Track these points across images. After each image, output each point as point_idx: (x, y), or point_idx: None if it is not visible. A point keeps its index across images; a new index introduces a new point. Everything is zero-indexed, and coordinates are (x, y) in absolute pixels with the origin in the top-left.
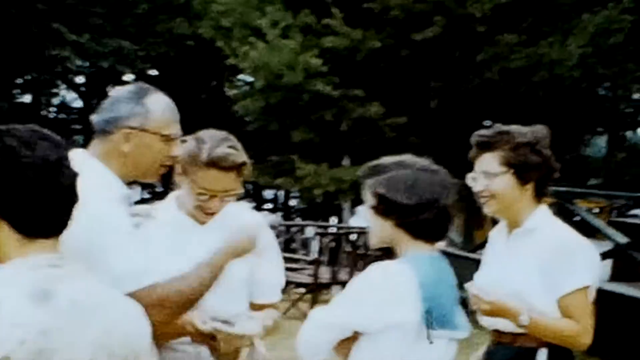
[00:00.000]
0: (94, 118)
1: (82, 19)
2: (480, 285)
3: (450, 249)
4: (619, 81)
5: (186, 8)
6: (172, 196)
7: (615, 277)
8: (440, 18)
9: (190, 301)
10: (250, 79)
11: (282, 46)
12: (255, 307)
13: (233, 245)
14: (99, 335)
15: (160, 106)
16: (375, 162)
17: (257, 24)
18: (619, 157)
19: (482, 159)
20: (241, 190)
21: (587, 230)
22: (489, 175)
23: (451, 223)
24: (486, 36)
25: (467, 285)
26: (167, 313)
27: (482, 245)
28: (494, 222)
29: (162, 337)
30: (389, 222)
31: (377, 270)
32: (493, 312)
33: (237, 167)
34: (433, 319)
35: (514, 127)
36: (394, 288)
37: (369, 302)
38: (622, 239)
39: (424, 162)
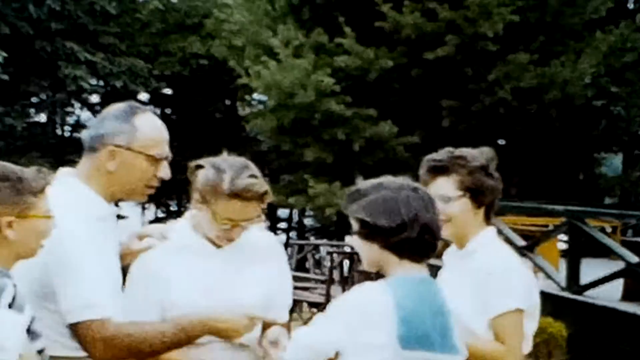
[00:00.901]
0: (82, 134)
1: (95, 38)
2: None
3: None
4: (632, 100)
5: (199, 27)
6: (187, 216)
7: (626, 296)
8: (452, 37)
9: (140, 350)
10: (263, 98)
11: (294, 65)
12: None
13: (220, 325)
14: None
15: (148, 126)
16: (354, 188)
17: (269, 43)
18: (633, 176)
19: (436, 183)
20: (262, 217)
21: (600, 249)
22: (445, 199)
23: (438, 239)
24: (498, 55)
25: None
26: (111, 353)
27: None
28: (507, 241)
29: None
30: (375, 245)
31: (355, 291)
32: None
33: (260, 197)
34: (410, 340)
35: (465, 151)
36: (367, 309)
37: (343, 323)
38: (634, 258)
39: (402, 181)
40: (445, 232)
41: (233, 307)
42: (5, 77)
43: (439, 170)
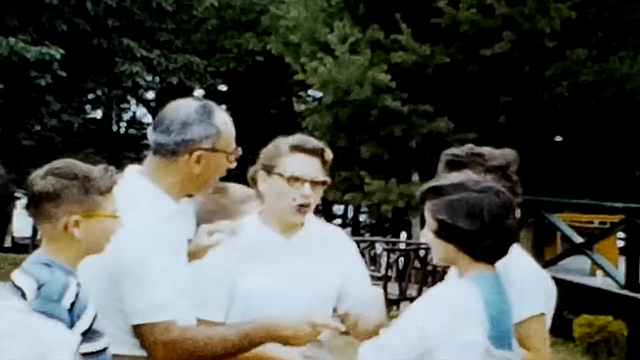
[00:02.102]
0: (160, 138)
1: (151, 34)
2: None
3: None
4: None
5: (255, 23)
6: (255, 213)
7: None
8: (509, 33)
9: (201, 355)
10: (319, 94)
11: (350, 62)
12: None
13: (283, 332)
14: None
15: (226, 124)
16: (434, 184)
17: (325, 39)
18: None
19: None
20: (328, 180)
21: None
22: None
23: (513, 243)
24: (555, 51)
25: None
26: (171, 356)
27: (553, 262)
28: (565, 239)
29: None
30: (451, 245)
31: (443, 289)
32: None
33: (320, 152)
34: (499, 339)
35: (486, 149)
36: (461, 307)
37: (435, 322)
38: None
39: (485, 182)
40: None
41: (306, 297)
42: (63, 73)
43: (456, 165)
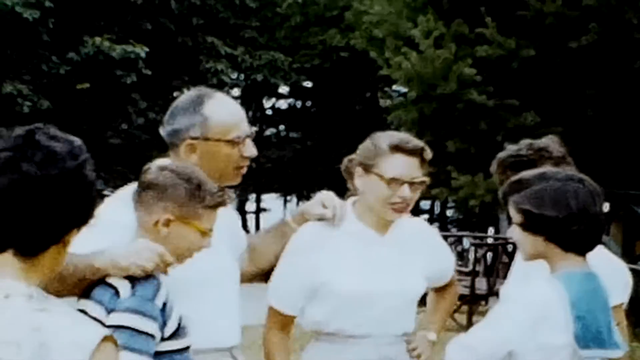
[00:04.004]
0: (161, 131)
1: (236, 32)
2: None
3: None
4: None
5: (339, 19)
6: (348, 204)
7: None
8: (596, 25)
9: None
10: (404, 89)
11: (435, 56)
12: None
13: (121, 262)
14: None
15: (219, 112)
16: (516, 177)
17: (409, 34)
18: None
19: None
20: (427, 180)
21: None
22: None
23: (602, 233)
24: None
25: None
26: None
27: None
28: None
29: None
30: (539, 237)
31: (527, 289)
32: None
33: (420, 152)
34: (586, 339)
35: (542, 142)
36: (545, 309)
37: (518, 323)
38: None
39: (567, 172)
40: None
41: (397, 296)
42: (148, 72)
43: (524, 165)
